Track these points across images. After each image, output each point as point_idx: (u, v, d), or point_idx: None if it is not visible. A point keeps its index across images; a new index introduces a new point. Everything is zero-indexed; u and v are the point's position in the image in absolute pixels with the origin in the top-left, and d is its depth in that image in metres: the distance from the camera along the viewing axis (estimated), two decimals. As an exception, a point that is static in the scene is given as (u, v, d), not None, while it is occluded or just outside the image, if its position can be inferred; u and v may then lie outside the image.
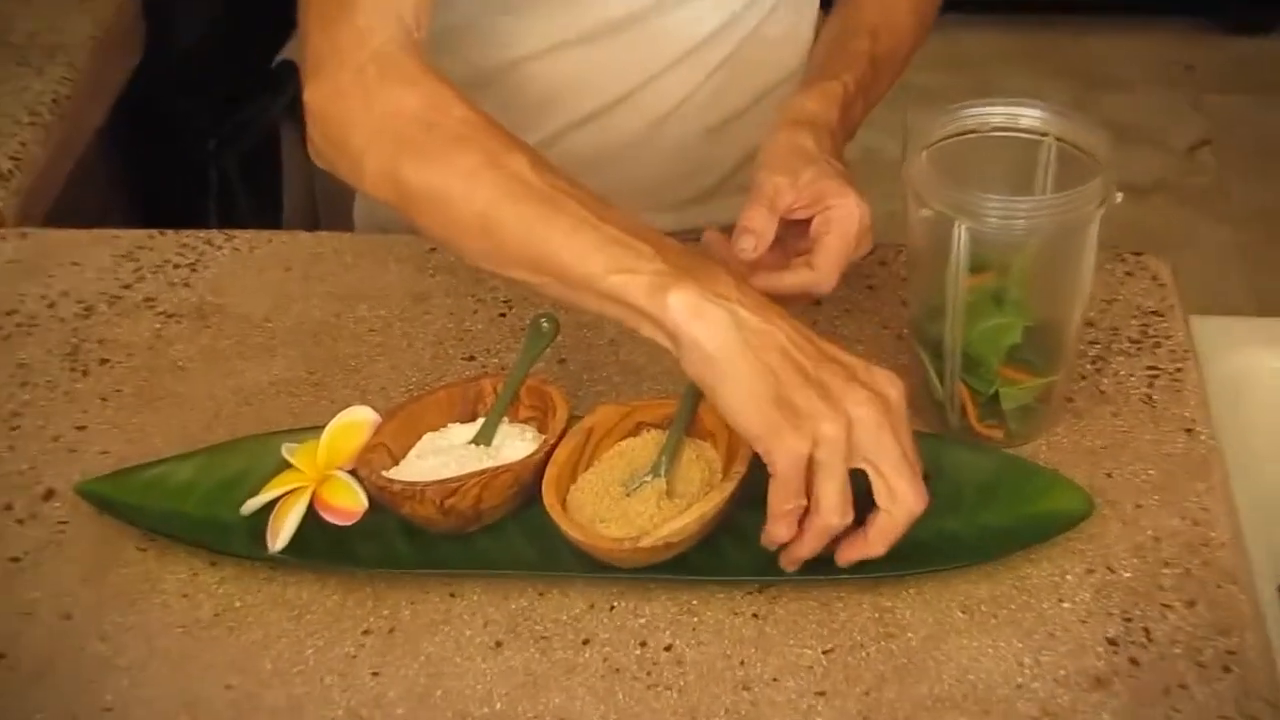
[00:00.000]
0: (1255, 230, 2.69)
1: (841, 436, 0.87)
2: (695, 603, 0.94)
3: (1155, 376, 1.08)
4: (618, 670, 0.90)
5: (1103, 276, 1.14)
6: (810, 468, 0.87)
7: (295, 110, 1.08)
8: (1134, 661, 0.89)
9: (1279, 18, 3.15)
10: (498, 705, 0.89)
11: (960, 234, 0.95)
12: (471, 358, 1.12)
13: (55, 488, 1.03)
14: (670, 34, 1.24)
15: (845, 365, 0.89)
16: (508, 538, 0.97)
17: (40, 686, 0.91)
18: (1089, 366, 1.08)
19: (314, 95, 1.00)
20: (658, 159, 1.30)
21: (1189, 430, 1.04)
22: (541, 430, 1.00)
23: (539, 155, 0.96)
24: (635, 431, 1.00)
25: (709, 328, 0.88)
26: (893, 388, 0.89)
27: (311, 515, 0.97)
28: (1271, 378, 1.17)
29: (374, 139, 0.97)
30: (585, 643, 0.92)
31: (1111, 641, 0.90)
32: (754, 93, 1.29)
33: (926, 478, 0.90)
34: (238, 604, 0.95)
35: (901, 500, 0.89)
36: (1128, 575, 0.94)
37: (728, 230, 1.02)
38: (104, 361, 1.13)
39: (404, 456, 0.99)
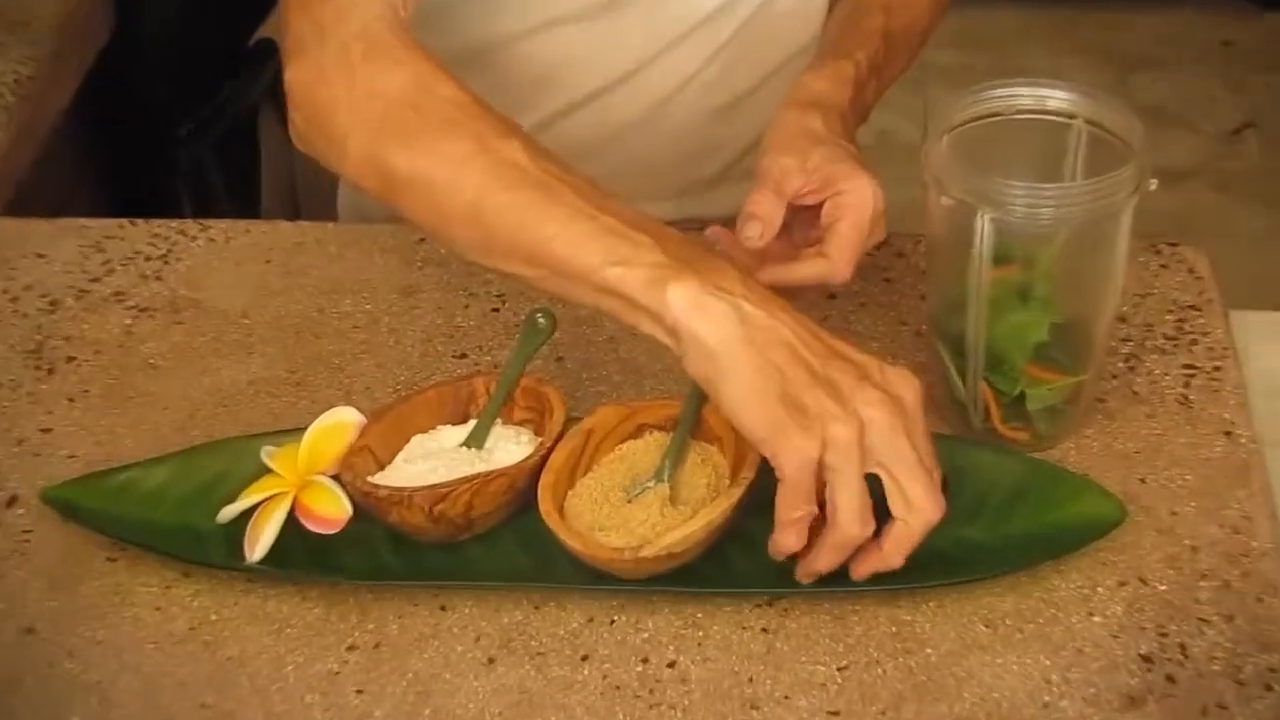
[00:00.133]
0: (1298, 218, 2.70)
1: (853, 439, 0.87)
2: (700, 616, 0.94)
3: (1192, 375, 1.08)
4: (618, 688, 0.90)
5: (1135, 269, 1.14)
6: (821, 474, 0.87)
7: (275, 92, 1.08)
8: (1170, 679, 0.89)
9: (1322, -10, 3.15)
10: (490, 726, 0.89)
11: (983, 224, 0.95)
12: (463, 355, 1.12)
13: (19, 494, 1.03)
14: (674, 9, 1.24)
15: (856, 364, 0.89)
16: (501, 547, 0.97)
17: (3, 706, 0.91)
18: (1121, 365, 1.08)
19: (295, 76, 1.00)
20: (660, 142, 1.30)
21: (1228, 433, 1.03)
22: (537, 433, 1.00)
23: (532, 139, 0.96)
24: (637, 434, 1.00)
25: (710, 322, 0.88)
26: (908, 388, 0.89)
27: (292, 523, 0.97)
28: (1315, 376, 1.18)
29: (358, 121, 0.97)
30: (584, 659, 0.92)
31: (1145, 658, 0.90)
32: (762, 71, 1.30)
33: (945, 483, 0.90)
34: (213, 617, 0.95)
35: (918, 508, 0.88)
36: (1163, 587, 0.94)
37: (731, 223, 1.02)
38: (71, 360, 1.13)
39: (391, 461, 1.00)
